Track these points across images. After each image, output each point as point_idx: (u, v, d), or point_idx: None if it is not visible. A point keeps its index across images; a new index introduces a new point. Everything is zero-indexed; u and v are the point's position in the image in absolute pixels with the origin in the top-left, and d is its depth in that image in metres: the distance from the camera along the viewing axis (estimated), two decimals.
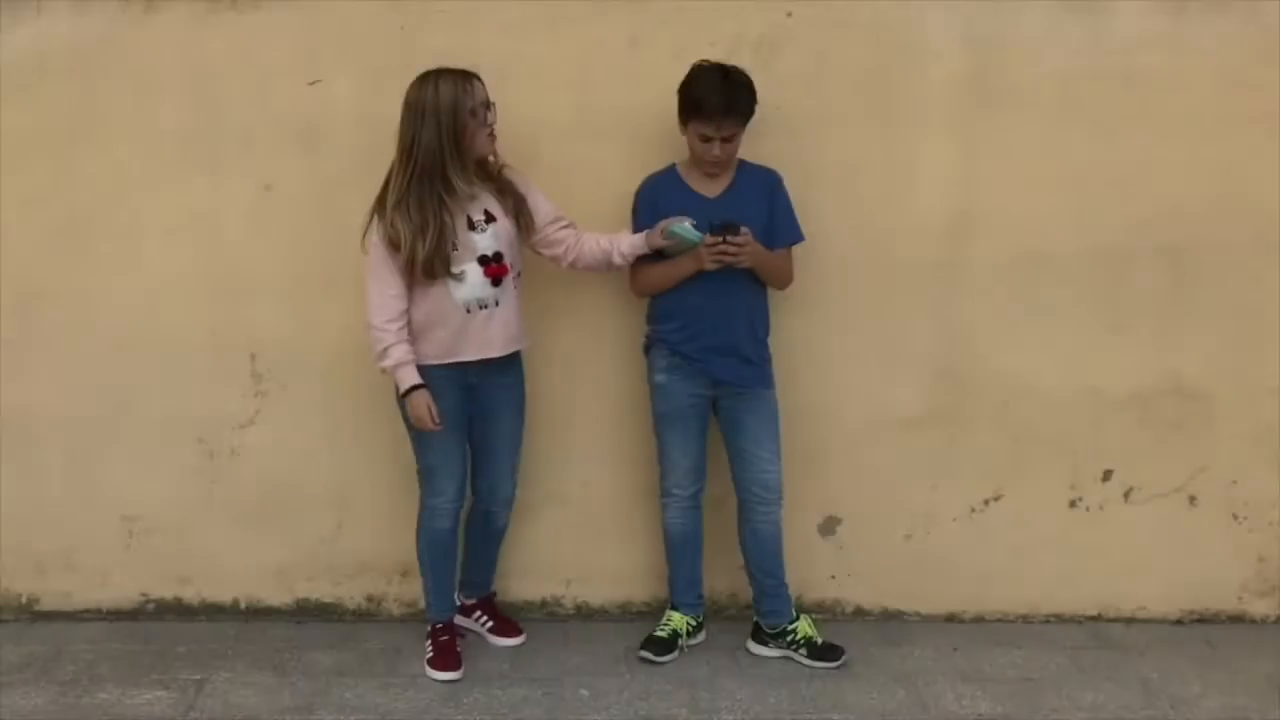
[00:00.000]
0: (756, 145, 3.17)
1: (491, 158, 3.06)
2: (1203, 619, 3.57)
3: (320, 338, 3.39)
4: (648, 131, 3.27)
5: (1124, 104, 3.28)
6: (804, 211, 3.20)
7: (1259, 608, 3.57)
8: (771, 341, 3.23)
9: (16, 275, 3.36)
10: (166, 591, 3.55)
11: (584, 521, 3.52)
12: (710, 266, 3.00)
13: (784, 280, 3.21)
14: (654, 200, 3.12)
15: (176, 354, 3.40)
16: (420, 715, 2.97)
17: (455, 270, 2.97)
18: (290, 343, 3.39)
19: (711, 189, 3.11)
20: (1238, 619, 3.57)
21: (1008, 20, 3.24)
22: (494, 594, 3.43)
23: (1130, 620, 3.57)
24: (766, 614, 3.31)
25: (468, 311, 3.01)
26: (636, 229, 3.15)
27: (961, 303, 3.39)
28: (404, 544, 3.41)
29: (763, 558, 3.27)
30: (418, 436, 3.09)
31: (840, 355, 3.40)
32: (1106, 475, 3.50)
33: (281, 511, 3.50)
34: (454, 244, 2.96)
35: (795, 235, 3.17)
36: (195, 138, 3.29)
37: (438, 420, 3.00)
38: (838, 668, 3.21)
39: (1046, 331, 3.41)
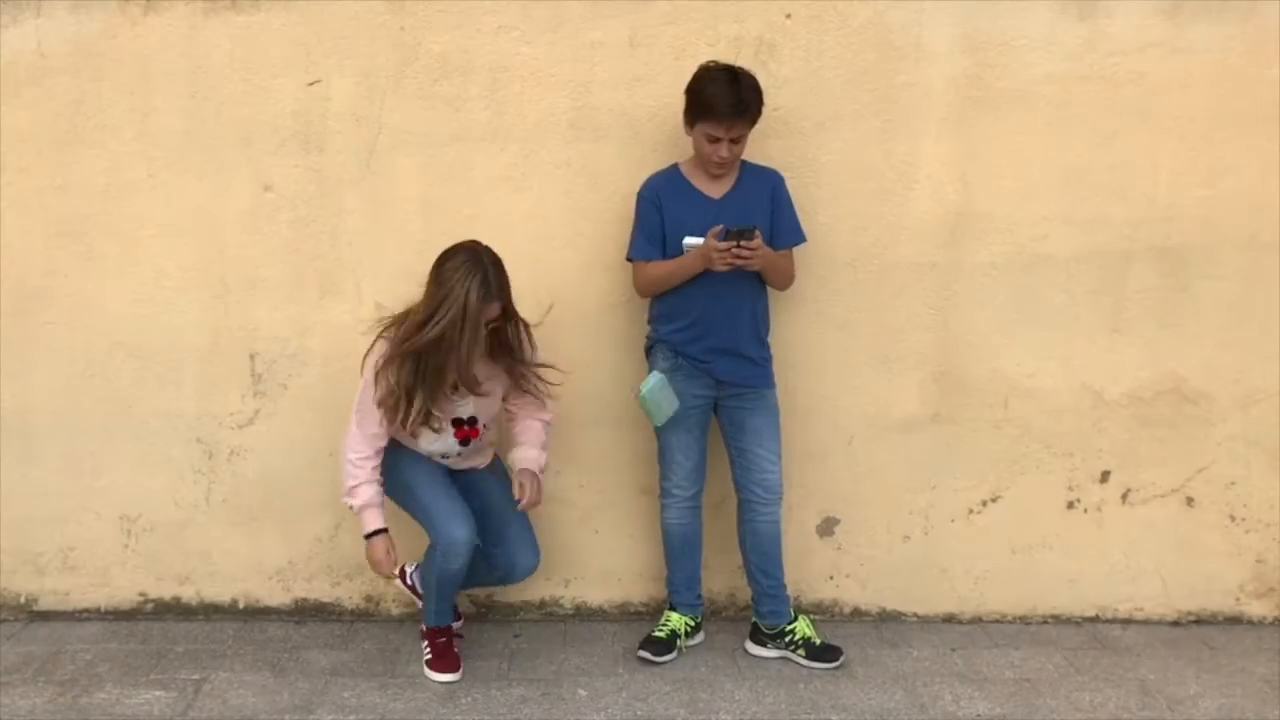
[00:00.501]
0: (755, 146, 3.17)
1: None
2: (1200, 620, 3.58)
3: (319, 338, 3.39)
4: (647, 132, 3.28)
5: (1121, 105, 3.29)
6: (803, 212, 3.21)
7: (1256, 609, 3.58)
8: (771, 341, 3.24)
9: (15, 275, 3.36)
10: (165, 591, 3.55)
11: (582, 522, 3.52)
12: (721, 269, 2.99)
13: (786, 281, 3.21)
14: (657, 200, 3.12)
15: (176, 354, 3.40)
16: (418, 715, 2.97)
17: (435, 426, 3.03)
18: (289, 343, 3.40)
19: (715, 189, 3.11)
20: (1235, 620, 3.58)
21: (1006, 22, 3.24)
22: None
23: (1128, 621, 3.57)
24: (765, 614, 3.31)
25: (431, 455, 3.13)
26: (639, 227, 3.14)
27: (960, 304, 3.40)
28: (402, 545, 3.40)
29: (761, 558, 3.27)
30: (404, 498, 3.13)
31: (838, 356, 3.41)
32: (1104, 476, 3.51)
33: (280, 511, 3.50)
34: (436, 411, 2.99)
35: (797, 236, 3.17)
36: (194, 138, 3.29)
37: (392, 571, 3.11)
38: (836, 669, 3.21)
39: (1045, 332, 3.41)
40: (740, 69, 3.01)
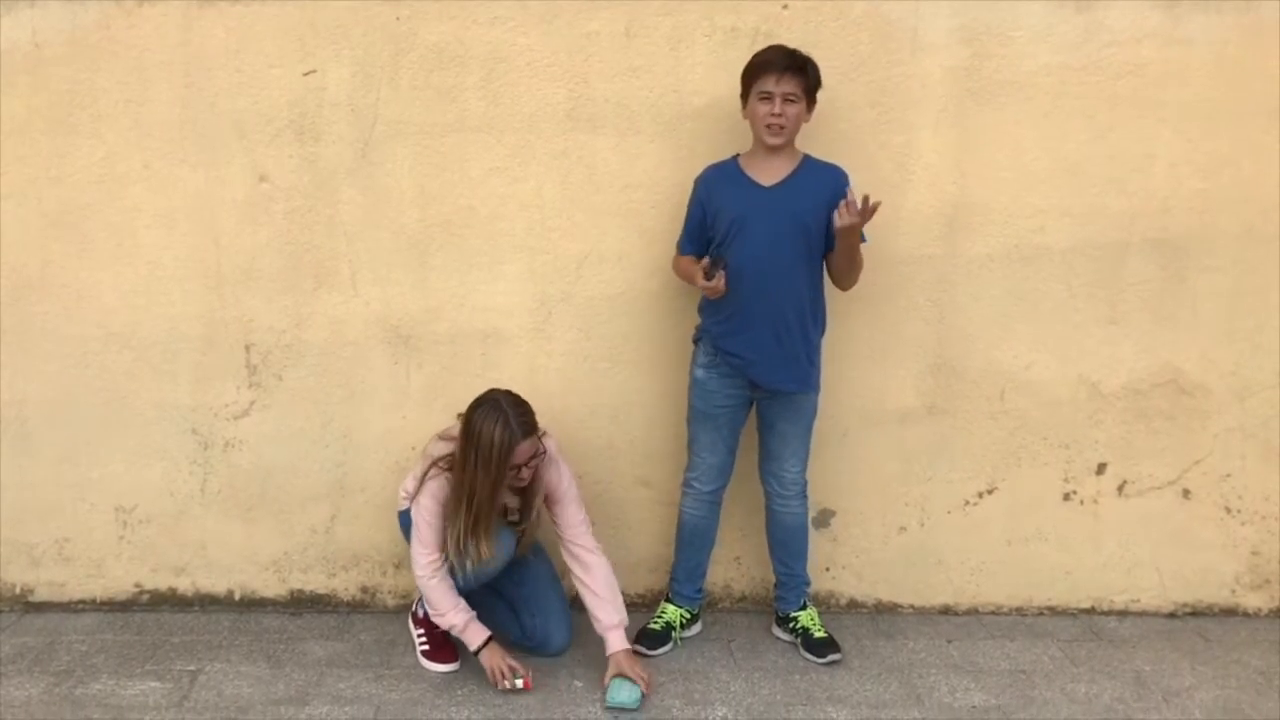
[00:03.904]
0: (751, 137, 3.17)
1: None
2: (1196, 612, 3.58)
3: (315, 329, 3.39)
4: (644, 122, 3.27)
5: (1118, 97, 3.28)
6: None
7: (1252, 601, 3.58)
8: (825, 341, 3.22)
9: (10, 266, 3.35)
10: (161, 582, 3.55)
11: None
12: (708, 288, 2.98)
13: (853, 272, 3.12)
14: (703, 192, 3.12)
15: (171, 345, 3.40)
16: (414, 706, 2.97)
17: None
18: (285, 334, 3.39)
19: (768, 177, 3.06)
20: (1231, 612, 3.58)
21: (1003, 13, 3.24)
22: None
23: (1123, 613, 3.58)
24: (776, 599, 3.38)
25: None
26: (689, 217, 3.16)
27: (956, 296, 3.40)
28: (398, 536, 3.41)
29: (775, 545, 3.32)
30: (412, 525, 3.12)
31: (835, 348, 3.39)
32: (1100, 468, 3.51)
33: (276, 503, 3.50)
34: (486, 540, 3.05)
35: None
36: (190, 128, 3.28)
37: (514, 680, 3.03)
38: (823, 664, 3.21)
39: (1041, 324, 3.41)
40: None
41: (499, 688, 3.02)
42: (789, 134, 3.01)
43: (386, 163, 3.30)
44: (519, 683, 3.02)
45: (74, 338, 3.39)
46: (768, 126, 3.00)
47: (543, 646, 3.21)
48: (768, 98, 2.97)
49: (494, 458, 2.91)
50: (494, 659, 3.04)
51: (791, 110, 2.97)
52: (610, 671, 3.04)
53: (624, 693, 2.97)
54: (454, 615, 3.04)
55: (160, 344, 3.40)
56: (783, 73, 2.95)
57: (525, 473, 3.01)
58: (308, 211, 3.33)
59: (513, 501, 3.14)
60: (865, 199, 2.88)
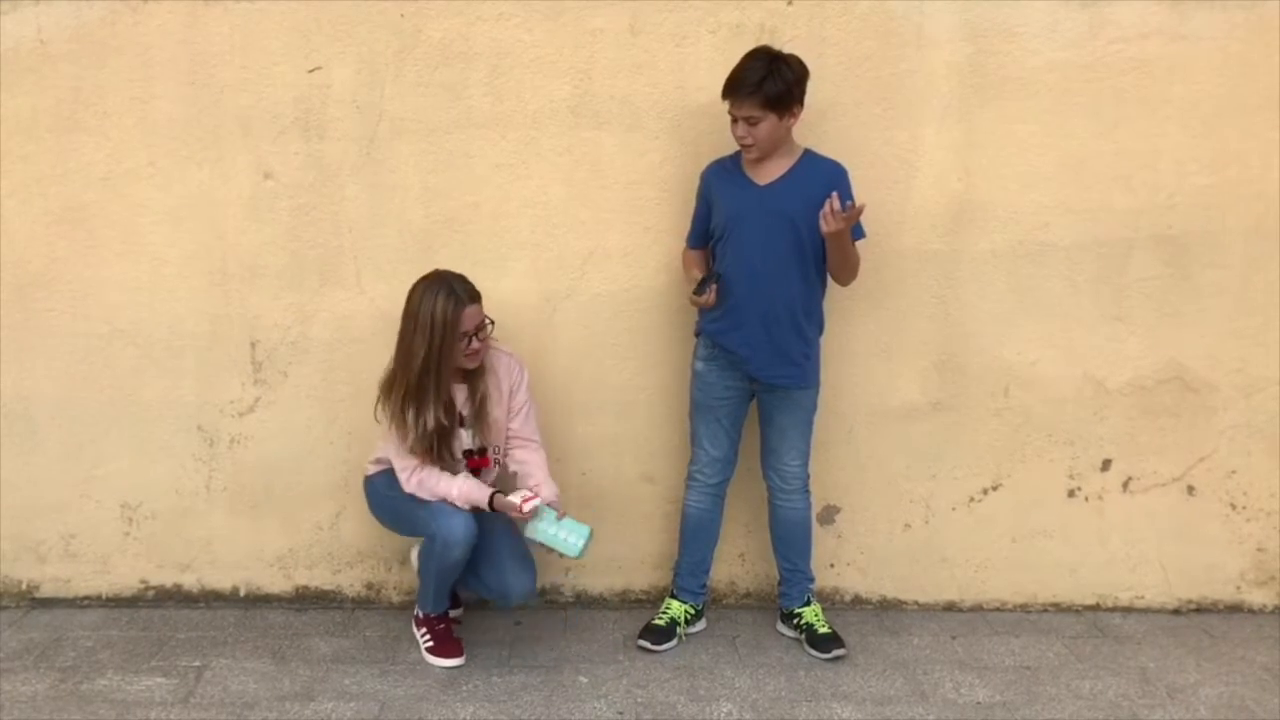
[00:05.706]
0: None
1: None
2: (1201, 608, 3.58)
3: (320, 326, 3.39)
4: (649, 119, 3.27)
5: (1123, 93, 3.28)
6: None
7: (1257, 597, 3.58)
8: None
9: (16, 263, 3.35)
10: (166, 579, 3.55)
11: (582, 510, 3.50)
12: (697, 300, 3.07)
13: (848, 268, 3.11)
14: (710, 185, 3.15)
15: (176, 341, 3.40)
16: (419, 701, 2.97)
17: (456, 459, 3.12)
18: (290, 331, 3.39)
19: (762, 176, 3.06)
20: (1236, 608, 3.58)
21: (1008, 9, 3.23)
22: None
23: (1128, 610, 3.58)
24: (780, 595, 3.38)
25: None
26: (696, 212, 3.20)
27: (961, 292, 3.39)
28: (393, 545, 3.42)
29: (777, 540, 3.33)
30: (395, 512, 3.15)
31: (840, 345, 3.40)
32: (1105, 465, 3.51)
33: (281, 499, 3.50)
34: (447, 441, 3.07)
35: (854, 232, 3.07)
36: (195, 125, 3.28)
37: (526, 508, 3.00)
38: (828, 660, 3.21)
39: (1046, 321, 3.41)
40: (782, 54, 2.96)
41: (525, 514, 2.98)
42: (762, 150, 3.02)
43: (391, 159, 3.30)
44: (534, 503, 2.99)
45: (79, 334, 3.40)
46: (738, 142, 3.03)
47: (503, 597, 3.12)
48: (735, 120, 2.99)
49: (442, 326, 2.92)
50: (503, 503, 3.01)
51: (760, 130, 2.97)
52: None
53: (578, 535, 3.02)
54: (451, 487, 3.02)
55: (165, 341, 3.40)
56: (735, 99, 2.94)
57: (475, 343, 3.01)
58: (313, 208, 3.33)
59: (461, 397, 3.10)
60: (850, 204, 2.90)
